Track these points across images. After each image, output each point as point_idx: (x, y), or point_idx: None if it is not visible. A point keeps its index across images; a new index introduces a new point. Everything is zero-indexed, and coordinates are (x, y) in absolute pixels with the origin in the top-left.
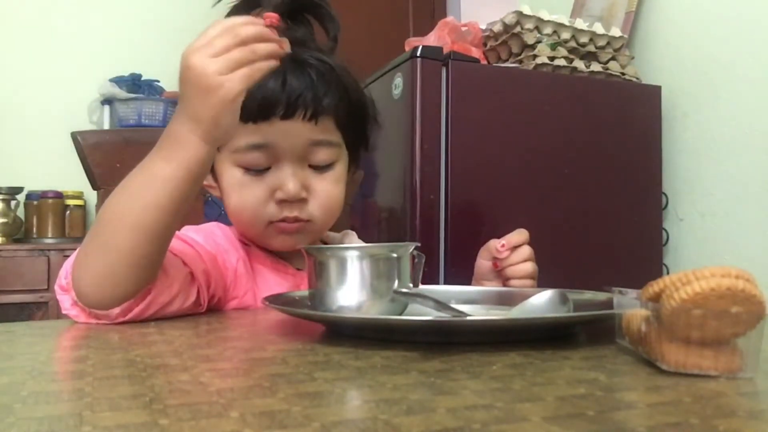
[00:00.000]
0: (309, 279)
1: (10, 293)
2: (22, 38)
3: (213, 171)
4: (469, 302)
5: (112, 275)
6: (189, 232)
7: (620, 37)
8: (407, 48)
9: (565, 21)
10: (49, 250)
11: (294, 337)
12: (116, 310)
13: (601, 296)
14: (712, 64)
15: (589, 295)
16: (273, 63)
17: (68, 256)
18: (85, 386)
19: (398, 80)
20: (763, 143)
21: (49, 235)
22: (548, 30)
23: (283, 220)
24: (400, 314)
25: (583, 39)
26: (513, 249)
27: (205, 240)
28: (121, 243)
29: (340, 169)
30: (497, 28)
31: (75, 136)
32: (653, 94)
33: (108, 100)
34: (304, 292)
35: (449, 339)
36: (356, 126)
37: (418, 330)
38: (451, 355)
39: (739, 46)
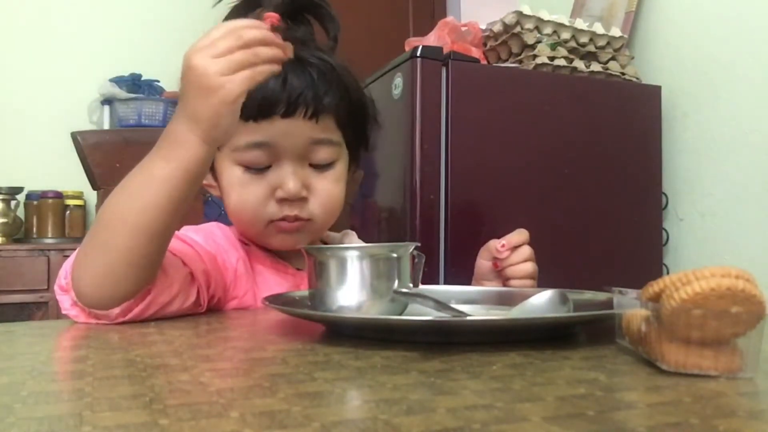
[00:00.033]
0: (309, 279)
1: (10, 293)
2: (22, 38)
3: (213, 170)
4: (469, 302)
5: (112, 275)
6: (189, 232)
7: (620, 37)
8: (407, 48)
9: (565, 21)
10: (49, 250)
11: (294, 337)
12: (116, 310)
13: (601, 296)
14: (712, 64)
15: (589, 295)
16: (275, 68)
17: (68, 256)
18: (85, 386)
19: (398, 80)
20: (763, 143)
21: (49, 235)
22: (548, 30)
23: (284, 219)
24: (400, 314)
25: (583, 39)
26: (513, 249)
27: (204, 240)
28: (121, 243)
29: (341, 168)
30: (497, 28)
31: (75, 136)
32: (653, 94)
33: (108, 100)
34: (304, 292)
35: (449, 339)
36: (356, 125)
37: (418, 330)
38: (451, 355)
39: (739, 46)
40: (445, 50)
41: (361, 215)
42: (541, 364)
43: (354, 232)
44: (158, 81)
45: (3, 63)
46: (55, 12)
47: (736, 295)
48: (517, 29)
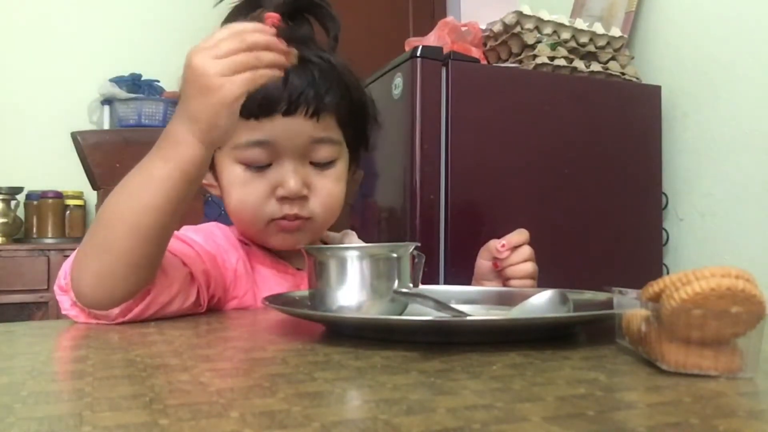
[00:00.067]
0: (309, 279)
1: (10, 293)
2: (22, 38)
3: (213, 169)
4: (469, 302)
5: (111, 275)
6: (188, 232)
7: (620, 37)
8: (407, 48)
9: (565, 21)
10: (49, 250)
11: (294, 337)
12: (116, 311)
13: (601, 296)
14: (712, 64)
15: (589, 295)
16: (276, 72)
17: (68, 256)
18: (85, 386)
19: (398, 80)
20: (763, 143)
21: (49, 235)
22: (548, 30)
23: (284, 217)
24: (400, 314)
25: (583, 39)
26: (513, 249)
27: (204, 240)
28: (119, 243)
29: (341, 167)
30: (497, 28)
31: (75, 136)
32: (653, 94)
33: (108, 100)
34: (304, 292)
35: (449, 339)
36: (357, 124)
37: (418, 330)
38: (451, 355)
39: (739, 46)
40: (445, 50)
41: (361, 215)
42: (541, 364)
43: (354, 232)
44: (158, 81)
45: (3, 63)
46: (55, 12)
47: (736, 295)
48: (517, 29)
